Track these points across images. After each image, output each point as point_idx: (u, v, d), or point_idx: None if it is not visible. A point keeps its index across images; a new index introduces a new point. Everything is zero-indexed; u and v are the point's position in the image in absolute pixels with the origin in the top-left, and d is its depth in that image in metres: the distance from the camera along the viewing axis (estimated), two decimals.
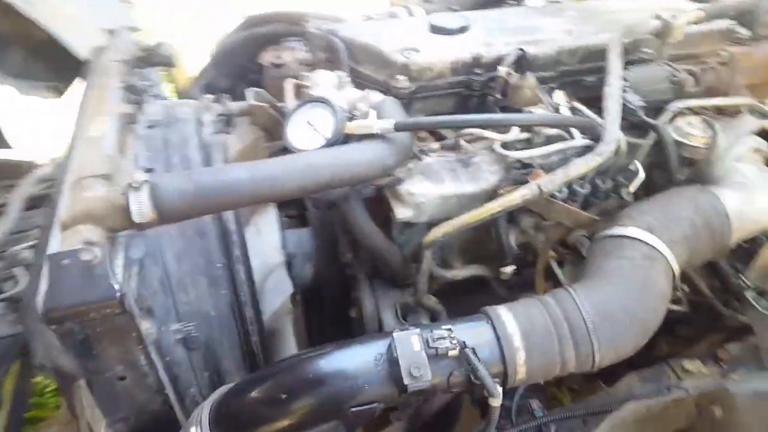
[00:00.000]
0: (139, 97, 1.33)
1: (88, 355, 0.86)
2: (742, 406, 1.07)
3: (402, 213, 1.16)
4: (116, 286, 0.81)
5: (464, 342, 0.86)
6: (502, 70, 1.16)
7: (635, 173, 1.09)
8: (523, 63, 1.15)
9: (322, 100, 1.09)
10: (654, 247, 0.99)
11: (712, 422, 1.14)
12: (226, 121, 1.31)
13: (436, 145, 1.21)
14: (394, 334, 0.85)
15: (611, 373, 1.29)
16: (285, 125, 1.10)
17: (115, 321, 0.85)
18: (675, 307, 1.17)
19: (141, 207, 0.86)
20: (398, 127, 1.03)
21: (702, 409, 1.15)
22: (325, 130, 1.07)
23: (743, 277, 1.27)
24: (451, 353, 0.84)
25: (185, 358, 1.04)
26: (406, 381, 0.81)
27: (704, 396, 1.13)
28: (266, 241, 1.39)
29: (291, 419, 0.84)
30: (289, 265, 1.40)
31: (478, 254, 1.32)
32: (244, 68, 1.91)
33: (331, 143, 1.05)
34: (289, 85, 1.29)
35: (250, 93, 1.31)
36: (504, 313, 0.92)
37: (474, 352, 0.85)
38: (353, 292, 1.36)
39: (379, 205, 1.22)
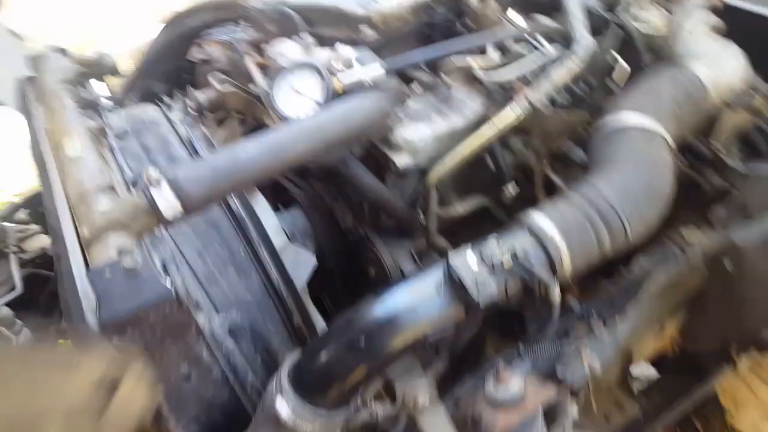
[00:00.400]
0: (97, 110, 1.28)
1: (153, 360, 0.84)
2: (751, 254, 1.17)
3: (402, 160, 1.18)
4: (168, 284, 0.79)
5: (511, 250, 0.90)
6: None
7: (613, 64, 1.15)
8: None
9: (304, 64, 1.08)
10: (649, 127, 1.06)
11: (724, 277, 1.24)
12: (198, 114, 1.28)
13: (416, 87, 1.23)
14: (450, 260, 0.87)
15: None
16: (270, 98, 1.09)
17: (174, 319, 0.84)
18: None
19: (168, 201, 0.84)
20: (389, 71, 1.04)
21: (712, 266, 1.25)
22: (313, 93, 1.07)
23: (713, 144, 1.37)
24: (506, 263, 0.88)
25: (235, 348, 1.04)
26: (474, 293, 0.84)
27: (714, 254, 1.23)
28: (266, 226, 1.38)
29: (372, 362, 0.86)
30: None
31: (474, 186, 1.37)
32: (177, 68, 1.85)
33: (326, 101, 1.05)
34: (251, 64, 1.27)
35: (215, 78, 1.28)
36: (537, 216, 0.96)
37: (524, 257, 0.89)
38: (364, 253, 1.37)
39: (370, 160, 1.23)
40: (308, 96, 1.08)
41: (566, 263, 0.93)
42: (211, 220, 1.10)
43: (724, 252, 1.22)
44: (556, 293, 0.89)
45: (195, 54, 1.68)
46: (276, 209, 1.53)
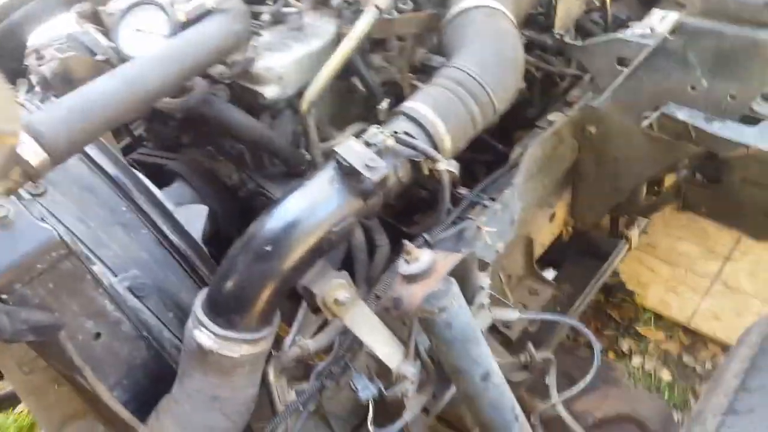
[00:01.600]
0: None
1: (54, 318, 0.79)
2: (607, 112, 1.28)
3: (270, 91, 1.18)
4: (48, 227, 0.75)
5: (392, 132, 0.93)
6: None
7: None
8: None
9: (141, 2, 1.05)
10: (488, 5, 1.13)
11: (592, 142, 1.36)
12: (45, 90, 1.20)
13: (266, 17, 1.23)
14: (335, 149, 0.89)
15: None
16: (114, 42, 1.04)
17: (65, 266, 0.79)
18: None
19: (31, 149, 0.79)
20: None
21: (579, 136, 1.36)
22: (160, 28, 1.04)
23: (555, 33, 1.49)
24: (389, 143, 0.91)
25: (142, 306, 0.99)
26: (366, 174, 0.85)
27: (577, 123, 1.34)
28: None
29: (281, 271, 0.85)
30: None
31: (351, 115, 1.39)
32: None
33: (173, 32, 1.03)
34: (90, 27, 1.21)
35: (58, 51, 1.20)
36: (410, 102, 1.00)
37: (407, 134, 0.93)
38: (259, 205, 1.35)
39: (239, 101, 1.21)
40: (155, 32, 1.04)
41: (445, 138, 0.98)
42: (84, 185, 1.03)
43: (585, 119, 1.34)
44: (443, 165, 0.93)
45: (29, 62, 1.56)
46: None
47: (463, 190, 1.23)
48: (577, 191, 1.48)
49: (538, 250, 1.54)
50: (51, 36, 1.34)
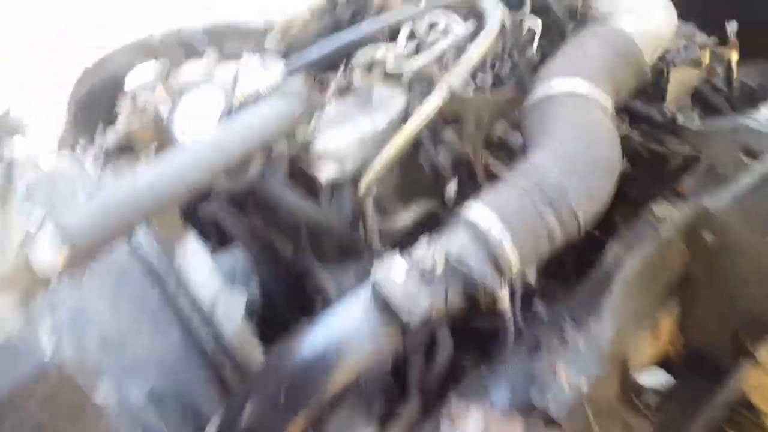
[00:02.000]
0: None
1: None
2: (728, 217, 1.04)
3: (326, 173, 1.07)
4: (48, 354, 0.67)
5: (446, 250, 0.77)
6: None
7: (533, 31, 1.05)
8: None
9: (199, 83, 0.98)
10: (580, 91, 0.95)
11: (708, 252, 1.11)
12: (113, 154, 1.16)
13: (330, 92, 1.13)
14: (373, 277, 0.74)
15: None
16: (169, 124, 0.97)
17: (60, 397, 0.70)
18: None
19: (47, 255, 0.73)
20: (286, 73, 0.94)
21: (692, 243, 1.12)
22: (214, 110, 0.96)
23: (667, 108, 1.26)
24: (439, 268, 0.75)
25: (157, 416, 0.89)
26: (404, 318, 0.71)
27: (690, 227, 1.10)
28: (197, 270, 1.26)
29: (299, 418, 0.71)
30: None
31: (416, 191, 1.25)
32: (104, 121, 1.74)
33: (225, 115, 0.94)
34: (160, 91, 1.16)
35: (123, 113, 1.17)
36: (474, 206, 0.84)
37: (460, 258, 0.76)
38: (309, 284, 1.24)
39: (297, 179, 1.11)
40: (210, 114, 0.96)
41: (512, 258, 0.80)
42: (119, 267, 0.97)
43: (699, 222, 1.10)
44: (503, 298, 0.76)
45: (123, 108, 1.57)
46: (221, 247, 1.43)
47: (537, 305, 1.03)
48: (686, 305, 1.22)
49: (637, 368, 1.29)
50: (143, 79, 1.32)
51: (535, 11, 1.13)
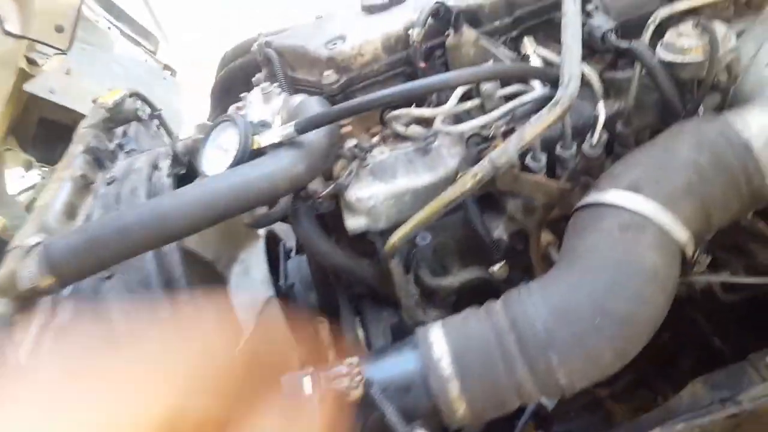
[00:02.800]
0: (101, 157, 1.31)
1: None
2: None
3: (353, 223, 1.00)
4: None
5: (370, 378, 0.67)
6: (415, 32, 0.96)
7: (596, 118, 0.83)
8: (449, 17, 0.94)
9: (227, 118, 0.96)
10: (637, 212, 0.72)
11: None
12: (175, 161, 1.23)
13: (377, 138, 1.03)
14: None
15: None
16: (200, 157, 0.99)
17: None
18: None
19: (29, 273, 0.80)
20: (300, 129, 0.87)
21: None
22: (231, 152, 0.94)
23: None
24: (353, 394, 0.66)
25: None
26: None
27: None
28: (254, 277, 1.30)
29: None
30: (290, 294, 1.32)
31: (477, 254, 1.11)
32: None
33: (236, 162, 0.92)
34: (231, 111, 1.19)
35: (197, 128, 1.23)
36: (435, 330, 0.72)
37: (383, 390, 0.66)
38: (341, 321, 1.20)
39: (336, 219, 1.06)
40: (231, 153, 0.95)
41: (457, 404, 0.67)
42: (143, 277, 1.03)
43: None
44: None
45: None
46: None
47: None
48: None
49: None
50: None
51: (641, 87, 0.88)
